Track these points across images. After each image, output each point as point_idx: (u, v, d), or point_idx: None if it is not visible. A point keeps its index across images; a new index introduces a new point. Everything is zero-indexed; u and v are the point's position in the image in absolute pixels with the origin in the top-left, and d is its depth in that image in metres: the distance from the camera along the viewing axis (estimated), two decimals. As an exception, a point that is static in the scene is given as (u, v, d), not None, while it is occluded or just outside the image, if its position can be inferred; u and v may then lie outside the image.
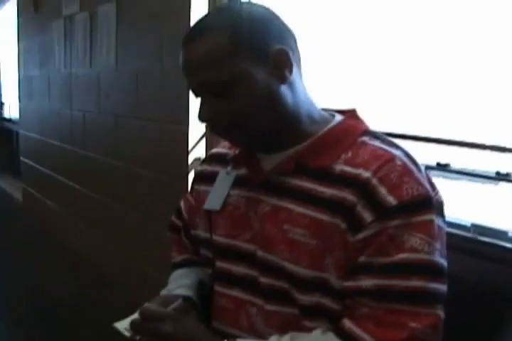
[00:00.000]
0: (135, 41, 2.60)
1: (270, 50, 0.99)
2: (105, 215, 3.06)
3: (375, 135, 1.04)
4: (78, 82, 3.32)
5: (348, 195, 0.94)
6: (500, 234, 1.31)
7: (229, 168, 1.17)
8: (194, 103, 2.22)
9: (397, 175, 0.93)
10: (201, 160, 1.34)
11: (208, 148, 2.30)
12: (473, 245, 1.37)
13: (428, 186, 0.96)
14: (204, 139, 2.29)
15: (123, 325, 1.00)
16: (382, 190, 0.92)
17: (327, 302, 0.98)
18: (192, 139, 2.26)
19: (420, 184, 0.94)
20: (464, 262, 1.28)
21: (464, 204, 1.40)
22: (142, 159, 2.64)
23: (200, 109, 1.01)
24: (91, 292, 2.85)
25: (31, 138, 4.29)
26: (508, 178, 1.29)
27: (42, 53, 3.91)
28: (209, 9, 2.15)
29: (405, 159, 0.97)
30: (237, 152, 1.17)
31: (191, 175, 2.30)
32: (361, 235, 0.92)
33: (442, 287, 0.92)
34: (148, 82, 2.53)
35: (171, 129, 2.37)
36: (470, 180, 1.38)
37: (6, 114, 5.71)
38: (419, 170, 0.98)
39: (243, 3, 1.06)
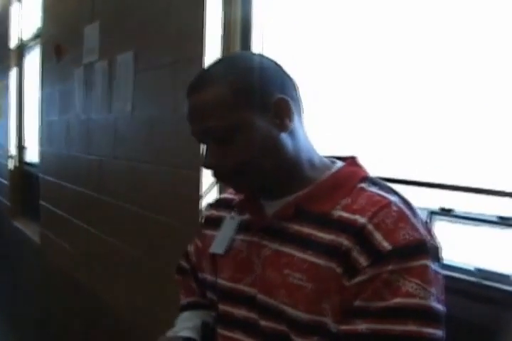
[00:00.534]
0: (151, 89, 2.67)
1: (271, 99, 1.04)
2: (119, 259, 3.08)
3: (373, 181, 1.07)
4: (96, 128, 3.40)
5: (344, 241, 0.97)
6: (503, 278, 1.32)
7: (233, 213, 1.21)
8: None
9: (392, 220, 0.96)
10: (209, 205, 1.38)
11: (220, 193, 2.33)
12: (478, 289, 1.38)
13: (424, 231, 0.97)
14: (216, 185, 2.32)
15: None
16: (378, 236, 0.94)
17: None
18: (204, 184, 2.30)
19: (416, 229, 0.96)
20: (468, 305, 1.28)
21: (468, 249, 1.41)
22: (155, 204, 2.67)
23: (205, 155, 1.06)
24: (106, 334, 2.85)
25: (50, 182, 4.36)
26: (509, 223, 1.30)
27: (62, 100, 4.01)
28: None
29: (401, 205, 1.00)
30: (242, 198, 1.21)
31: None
32: (357, 280, 0.94)
33: (438, 332, 0.92)
34: (162, 128, 2.58)
35: (183, 174, 2.41)
36: (474, 224, 1.39)
37: (28, 158, 5.82)
38: (415, 215, 1.00)
39: (247, 52, 1.11)
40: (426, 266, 0.93)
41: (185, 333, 1.20)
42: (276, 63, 1.10)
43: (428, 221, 1.42)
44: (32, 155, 5.59)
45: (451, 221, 1.42)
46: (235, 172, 1.05)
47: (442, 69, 1.47)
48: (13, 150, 5.99)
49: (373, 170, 1.16)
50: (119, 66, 2.98)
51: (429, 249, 0.96)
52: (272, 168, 1.05)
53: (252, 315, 1.08)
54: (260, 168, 1.05)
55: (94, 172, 3.44)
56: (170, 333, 1.23)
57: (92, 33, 3.37)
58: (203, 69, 1.12)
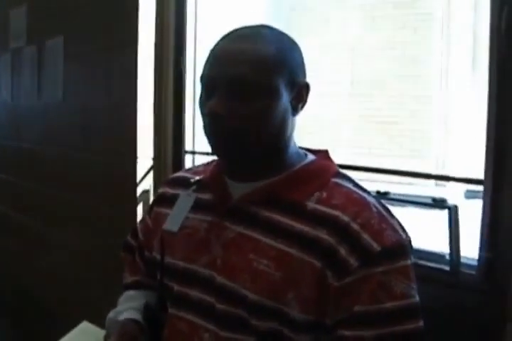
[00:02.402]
0: (83, 75, 2.62)
1: (298, 80, 1.05)
2: (54, 247, 3.02)
3: (346, 177, 1.09)
4: (25, 115, 3.30)
5: (323, 235, 0.97)
6: (438, 258, 1.38)
7: (190, 191, 1.17)
8: (142, 136, 2.25)
9: (376, 221, 0.98)
10: (163, 183, 1.33)
11: (156, 180, 2.32)
12: (415, 269, 1.43)
13: (401, 231, 1.02)
14: (151, 172, 2.31)
15: None
16: (365, 236, 0.96)
17: (284, 331, 1.00)
18: (140, 172, 2.28)
19: (395, 230, 1.00)
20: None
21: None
22: (92, 192, 2.63)
23: (214, 102, 1.00)
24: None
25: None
26: (443, 205, 1.35)
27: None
28: (156, 44, 2.19)
29: (378, 206, 1.03)
30: (205, 177, 1.17)
31: (139, 207, 2.31)
32: (348, 280, 0.96)
33: (422, 322, 0.99)
34: (96, 116, 2.54)
35: (119, 162, 2.39)
36: (409, 206, 1.44)
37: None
38: (392, 216, 1.04)
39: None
40: (409, 266, 0.99)
41: (129, 314, 1.17)
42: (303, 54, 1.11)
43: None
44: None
45: (387, 204, 1.46)
46: (235, 131, 1.00)
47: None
48: None
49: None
50: (48, 51, 2.90)
51: (408, 249, 1.01)
52: (267, 143, 1.04)
53: (207, 298, 1.06)
54: (259, 138, 1.02)
55: (25, 161, 3.35)
56: (112, 314, 1.21)
57: (18, 16, 3.25)
58: (250, 25, 1.07)
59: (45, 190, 3.14)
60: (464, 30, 7.51)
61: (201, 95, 1.06)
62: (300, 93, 1.06)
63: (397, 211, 1.14)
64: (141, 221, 1.37)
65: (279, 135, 1.05)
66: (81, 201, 2.73)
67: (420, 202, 1.40)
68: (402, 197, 1.43)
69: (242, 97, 0.99)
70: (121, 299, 1.28)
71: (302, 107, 1.07)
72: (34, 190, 3.27)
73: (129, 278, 1.35)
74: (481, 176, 1.32)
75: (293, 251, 0.99)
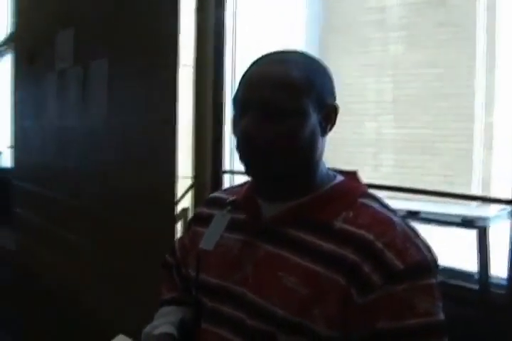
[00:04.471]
0: (125, 96, 2.70)
1: (327, 103, 1.08)
2: (95, 261, 3.09)
3: (374, 198, 1.10)
4: (71, 134, 3.40)
5: (348, 254, 0.99)
6: (467, 277, 1.38)
7: (225, 211, 1.21)
8: (182, 156, 2.30)
9: (400, 240, 1.00)
10: (201, 204, 1.39)
11: (196, 199, 2.36)
12: (444, 288, 1.43)
13: (426, 251, 1.02)
14: (191, 191, 2.36)
15: None
16: (389, 254, 0.97)
17: None
18: (179, 190, 2.33)
19: (419, 249, 1.01)
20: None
21: (434, 249, 1.47)
22: (133, 210, 2.69)
23: (246, 123, 1.04)
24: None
25: (25, 188, 4.35)
26: (472, 224, 1.36)
27: (36, 105, 4.00)
28: (195, 66, 2.25)
29: (403, 225, 1.04)
30: (238, 197, 1.21)
31: (178, 225, 2.36)
32: (371, 297, 0.97)
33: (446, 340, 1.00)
34: (135, 134, 2.61)
35: (159, 181, 2.44)
36: (439, 226, 1.45)
37: (3, 163, 5.78)
38: (417, 235, 1.04)
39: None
40: (433, 284, 0.99)
41: (165, 328, 1.21)
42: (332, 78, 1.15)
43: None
44: (5, 160, 5.56)
45: (418, 223, 1.47)
46: (266, 151, 1.04)
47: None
48: (-16, 155, 5.95)
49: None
50: (93, 72, 3.00)
51: (432, 268, 1.01)
52: (298, 162, 1.07)
53: (239, 314, 1.09)
54: (289, 159, 1.05)
55: (70, 179, 3.44)
56: (149, 328, 1.24)
57: (66, 38, 3.38)
58: (280, 50, 1.12)
59: (89, 208, 3.22)
60: (507, 48, 7.41)
61: (234, 117, 1.10)
62: (329, 115, 1.09)
63: (434, 230, 1.15)
64: (179, 239, 1.41)
65: (308, 156, 1.08)
66: (122, 219, 2.79)
67: (450, 221, 1.40)
68: (431, 217, 1.44)
69: (273, 119, 1.03)
70: (158, 314, 1.32)
71: (331, 128, 1.10)
72: (79, 207, 3.36)
73: (166, 294, 1.39)
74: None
75: (319, 268, 1.01)
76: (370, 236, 1.00)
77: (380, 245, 0.98)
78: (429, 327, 0.97)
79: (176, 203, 2.33)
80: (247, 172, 1.11)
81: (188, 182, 2.35)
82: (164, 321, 1.25)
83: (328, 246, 1.02)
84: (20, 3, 4.47)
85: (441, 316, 0.99)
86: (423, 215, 1.46)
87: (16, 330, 3.79)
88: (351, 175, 1.16)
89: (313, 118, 1.06)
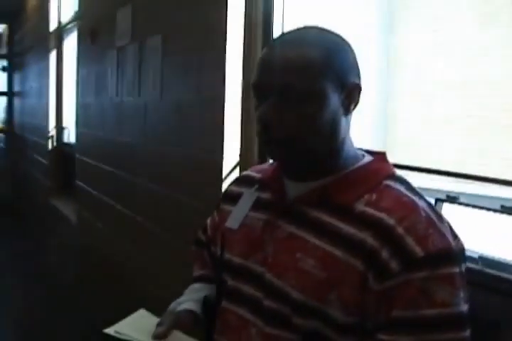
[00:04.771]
0: (177, 73, 2.72)
1: (349, 81, 1.05)
2: (149, 238, 3.16)
3: (400, 180, 1.07)
4: (127, 111, 3.47)
5: (368, 238, 0.97)
6: (506, 267, 1.33)
7: (252, 190, 1.21)
8: (229, 134, 2.31)
9: (423, 226, 0.96)
10: (232, 181, 1.39)
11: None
12: (481, 277, 1.38)
13: (450, 237, 0.99)
14: (237, 168, 2.36)
15: (113, 329, 1.08)
16: (409, 240, 0.94)
17: (327, 331, 1.00)
18: (226, 167, 2.34)
19: (443, 236, 0.97)
20: (471, 293, 1.30)
21: (472, 236, 1.42)
22: (182, 186, 2.73)
23: (264, 109, 1.02)
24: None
25: (86, 162, 4.47)
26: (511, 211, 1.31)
27: (98, 82, 4.10)
28: (244, 46, 2.24)
29: (428, 210, 1.00)
30: (266, 175, 1.21)
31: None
32: (388, 284, 0.95)
33: (468, 332, 0.96)
34: (188, 111, 2.63)
35: (207, 157, 2.46)
36: (478, 212, 1.40)
37: (66, 139, 5.95)
38: (442, 221, 1.01)
39: (339, 34, 1.10)
40: (455, 273, 0.95)
41: (188, 305, 1.23)
42: (356, 55, 1.10)
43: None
44: (70, 136, 5.72)
45: (457, 208, 1.43)
46: (286, 137, 1.02)
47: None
48: (52, 130, 6.14)
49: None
50: (148, 50, 3.04)
51: (456, 256, 0.98)
52: (320, 145, 1.04)
53: (258, 294, 1.09)
54: (311, 142, 1.03)
55: (126, 154, 3.52)
56: (173, 304, 1.26)
57: (124, 16, 3.42)
58: (297, 29, 1.08)
59: (138, 182, 3.29)
60: None
61: (255, 102, 1.09)
62: (351, 94, 1.05)
63: (468, 216, 1.11)
64: (211, 216, 1.42)
65: (331, 138, 1.05)
66: (171, 195, 2.83)
67: (489, 208, 1.35)
68: (471, 202, 1.39)
69: (290, 104, 1.01)
70: (186, 291, 1.34)
71: (354, 107, 1.07)
72: (129, 180, 3.44)
73: (196, 272, 1.41)
74: None
75: (338, 252, 0.99)
76: (391, 221, 0.97)
77: (400, 230, 0.95)
78: (446, 319, 0.93)
79: (222, 180, 2.34)
80: (270, 157, 1.11)
81: (235, 159, 2.36)
82: (188, 298, 1.27)
83: (348, 229, 1.00)
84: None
85: (462, 307, 0.95)
86: (462, 201, 1.42)
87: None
88: (380, 156, 1.13)
89: (334, 99, 1.03)
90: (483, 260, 1.36)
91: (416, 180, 1.55)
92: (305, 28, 1.10)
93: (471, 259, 1.37)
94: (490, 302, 1.32)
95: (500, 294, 1.31)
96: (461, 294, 0.96)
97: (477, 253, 1.38)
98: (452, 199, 1.42)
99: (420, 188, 1.50)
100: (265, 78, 1.04)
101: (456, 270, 0.96)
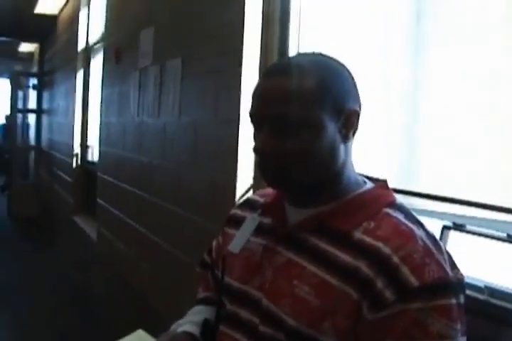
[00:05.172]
0: (195, 95, 2.75)
1: (346, 108, 1.04)
2: (163, 258, 3.16)
3: (400, 208, 1.06)
4: (147, 131, 3.51)
5: (362, 266, 0.96)
6: (510, 297, 1.31)
7: (255, 215, 1.22)
8: (243, 154, 2.32)
9: (419, 255, 0.95)
10: (236, 205, 1.40)
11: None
12: (486, 307, 1.36)
13: (448, 268, 0.97)
14: (251, 191, 2.36)
15: None
16: (405, 270, 0.93)
17: None
18: (239, 189, 2.34)
19: (441, 266, 0.96)
20: (475, 323, 1.27)
21: (478, 264, 1.40)
22: (198, 207, 2.74)
23: (260, 140, 1.03)
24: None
25: (107, 180, 4.52)
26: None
27: (120, 102, 4.15)
28: (260, 68, 2.26)
29: (426, 239, 0.99)
30: (268, 200, 1.21)
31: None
32: (382, 314, 0.93)
33: None
34: (204, 133, 2.65)
35: (222, 179, 2.47)
36: (484, 240, 1.38)
37: (90, 157, 6.03)
38: (440, 250, 0.99)
39: (333, 58, 1.09)
40: (452, 305, 0.94)
41: (187, 327, 1.23)
42: (351, 73, 1.09)
43: (441, 235, 1.42)
44: (94, 155, 5.78)
45: (464, 236, 1.41)
46: (282, 168, 1.03)
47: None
48: (77, 148, 6.22)
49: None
50: (168, 71, 3.08)
51: (454, 287, 0.96)
52: (317, 172, 1.04)
53: (254, 319, 1.09)
54: (307, 172, 1.03)
55: (145, 174, 3.55)
56: (174, 326, 1.27)
57: (147, 37, 3.48)
58: (289, 57, 1.08)
59: (156, 202, 3.31)
60: None
61: (253, 132, 1.09)
62: (349, 121, 1.04)
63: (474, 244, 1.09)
64: (216, 239, 1.42)
65: (328, 165, 1.05)
66: (187, 215, 2.84)
67: (496, 237, 1.33)
68: (477, 231, 1.37)
69: (286, 134, 1.01)
70: (188, 313, 1.34)
71: (354, 134, 1.07)
72: (147, 200, 3.46)
73: (201, 293, 1.41)
74: None
75: (333, 280, 0.99)
76: (387, 250, 0.96)
77: (396, 259, 0.94)
78: None
79: (235, 202, 2.34)
80: (267, 185, 1.11)
81: (249, 182, 2.36)
82: (189, 320, 1.27)
83: (344, 257, 0.99)
84: (110, 3, 4.64)
85: (459, 340, 0.93)
86: (469, 229, 1.40)
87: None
88: (381, 183, 1.12)
89: (331, 127, 1.02)
90: (489, 289, 1.33)
91: (424, 202, 1.54)
92: (300, 54, 1.10)
93: (477, 288, 1.34)
94: (494, 333, 1.29)
95: (506, 325, 1.29)
96: (458, 326, 0.94)
97: (483, 282, 1.35)
98: (459, 227, 1.40)
99: (427, 211, 1.49)
100: (259, 108, 1.04)
101: (453, 301, 0.94)
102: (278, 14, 2.20)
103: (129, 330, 1.30)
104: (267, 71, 1.09)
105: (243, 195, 2.36)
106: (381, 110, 1.72)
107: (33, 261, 6.32)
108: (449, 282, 0.96)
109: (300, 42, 2.17)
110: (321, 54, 1.10)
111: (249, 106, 1.07)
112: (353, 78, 1.09)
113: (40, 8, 7.45)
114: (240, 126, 2.30)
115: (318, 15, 2.09)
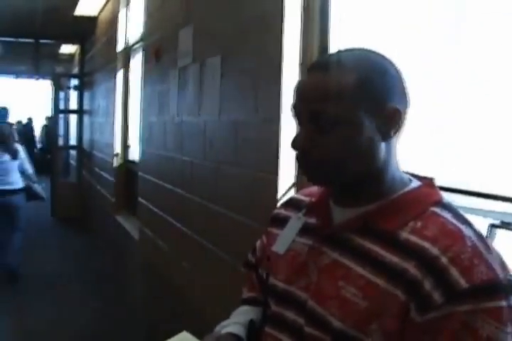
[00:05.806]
0: (235, 93, 2.74)
1: (387, 105, 1.02)
2: (207, 257, 3.16)
3: (447, 207, 1.03)
4: (187, 130, 3.51)
5: (410, 267, 0.94)
6: None
7: (300, 214, 1.20)
8: (284, 153, 2.29)
9: (468, 256, 0.92)
10: (280, 204, 1.38)
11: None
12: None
13: (498, 268, 0.94)
14: (293, 189, 2.34)
15: None
16: (453, 271, 0.91)
17: None
18: (281, 187, 2.32)
19: (490, 267, 0.93)
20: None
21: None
22: (240, 206, 2.73)
23: (297, 136, 1.04)
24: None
25: (148, 180, 4.55)
26: None
27: (160, 101, 4.17)
28: (300, 66, 2.24)
29: (475, 239, 0.96)
30: (313, 200, 1.19)
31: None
32: (430, 316, 0.91)
33: None
34: (245, 131, 2.64)
35: (263, 177, 2.45)
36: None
37: (131, 157, 6.08)
38: (490, 251, 0.96)
39: (381, 54, 1.07)
40: (501, 307, 0.90)
41: (232, 328, 1.22)
42: (400, 72, 1.07)
43: (488, 234, 1.37)
44: (135, 154, 5.84)
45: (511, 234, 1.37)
46: (320, 163, 1.03)
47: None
48: (118, 148, 6.29)
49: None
50: (208, 70, 3.07)
51: (504, 289, 0.92)
52: (357, 172, 1.03)
53: (299, 320, 1.08)
54: (345, 168, 1.02)
55: (186, 173, 3.55)
56: (218, 327, 1.26)
57: (186, 36, 3.48)
58: (333, 53, 1.07)
59: (197, 201, 3.31)
60: None
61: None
62: (390, 119, 1.02)
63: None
64: (260, 238, 1.41)
65: (366, 162, 1.03)
66: (228, 214, 2.83)
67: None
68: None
69: (323, 130, 1.00)
70: (233, 313, 1.33)
71: (395, 132, 1.04)
72: (188, 199, 3.47)
73: (245, 294, 1.40)
74: None
75: (380, 281, 0.97)
76: (435, 250, 0.93)
77: (444, 260, 0.91)
78: None
79: (277, 201, 2.32)
80: (307, 180, 1.10)
81: (291, 180, 2.34)
82: (234, 321, 1.26)
83: (391, 257, 0.97)
84: (148, 4, 4.67)
85: None
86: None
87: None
88: (427, 182, 1.09)
89: (369, 125, 1.00)
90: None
91: (470, 201, 1.50)
92: (345, 50, 1.08)
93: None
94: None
95: None
96: (509, 329, 0.90)
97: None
98: (507, 225, 1.36)
99: (473, 209, 1.45)
100: (299, 104, 1.04)
101: (504, 303, 0.91)
102: (318, 8, 2.16)
103: (174, 332, 1.30)
104: (309, 66, 1.08)
105: (285, 194, 2.34)
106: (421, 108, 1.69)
107: (77, 259, 6.45)
108: (498, 283, 0.92)
109: (341, 38, 2.13)
110: (367, 50, 1.08)
111: (292, 100, 1.08)
112: (400, 76, 1.06)
113: (80, 10, 7.58)
114: (281, 124, 2.27)
115: (361, 7, 2.06)
